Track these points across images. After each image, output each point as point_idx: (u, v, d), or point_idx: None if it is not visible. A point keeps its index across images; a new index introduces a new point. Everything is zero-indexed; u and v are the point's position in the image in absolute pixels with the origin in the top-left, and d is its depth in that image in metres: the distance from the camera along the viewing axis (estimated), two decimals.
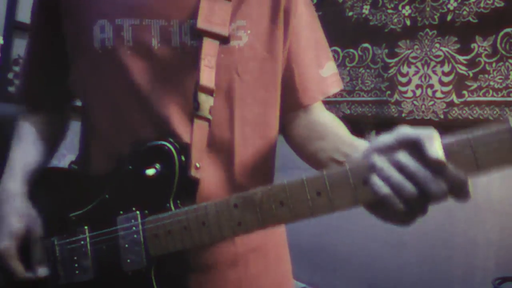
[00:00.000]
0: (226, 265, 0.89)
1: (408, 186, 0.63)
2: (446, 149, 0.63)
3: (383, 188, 0.64)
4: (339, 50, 2.48)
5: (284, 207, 0.73)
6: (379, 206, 0.66)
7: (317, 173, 0.71)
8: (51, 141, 1.02)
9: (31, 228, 0.88)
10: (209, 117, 0.83)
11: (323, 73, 0.97)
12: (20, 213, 0.88)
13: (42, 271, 0.87)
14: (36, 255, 0.88)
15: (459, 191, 0.63)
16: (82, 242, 0.87)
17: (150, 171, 0.81)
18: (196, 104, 0.83)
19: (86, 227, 0.87)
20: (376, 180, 0.64)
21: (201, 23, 0.84)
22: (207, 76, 0.83)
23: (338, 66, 2.47)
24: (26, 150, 0.96)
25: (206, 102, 0.83)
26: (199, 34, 0.84)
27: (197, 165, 0.82)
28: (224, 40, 0.85)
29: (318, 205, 0.71)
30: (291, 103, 0.96)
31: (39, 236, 0.88)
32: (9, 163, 0.95)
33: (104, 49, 0.84)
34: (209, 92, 0.83)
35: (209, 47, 0.84)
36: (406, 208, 0.64)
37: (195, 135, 0.83)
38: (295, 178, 0.73)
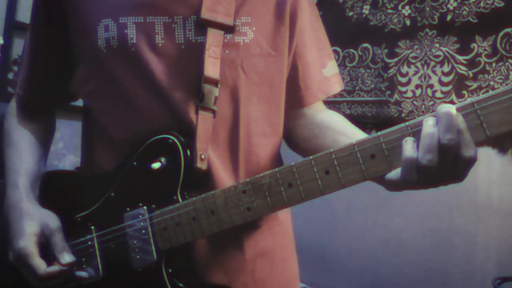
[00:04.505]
0: (234, 272, 0.88)
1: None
2: None
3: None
4: (339, 50, 2.49)
5: (293, 188, 0.74)
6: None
7: (324, 151, 0.72)
8: (44, 144, 1.00)
9: (44, 223, 0.86)
10: (214, 108, 0.84)
11: (325, 72, 0.98)
12: (31, 214, 0.87)
13: (66, 257, 0.84)
14: (56, 246, 0.85)
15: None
16: (90, 243, 0.87)
17: (156, 165, 0.81)
18: (201, 95, 0.83)
19: (92, 227, 0.87)
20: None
21: (205, 13, 0.84)
22: (211, 66, 0.83)
23: (338, 66, 2.47)
24: (24, 158, 0.94)
25: (211, 93, 0.83)
26: (203, 26, 0.84)
27: (203, 156, 0.82)
28: (228, 29, 0.85)
29: (328, 184, 0.72)
30: (293, 101, 0.96)
31: (56, 228, 0.86)
32: (9, 172, 0.92)
33: (109, 48, 0.84)
34: (213, 82, 0.83)
35: (213, 38, 0.84)
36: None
37: (200, 126, 0.83)
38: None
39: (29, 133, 0.98)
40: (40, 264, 0.83)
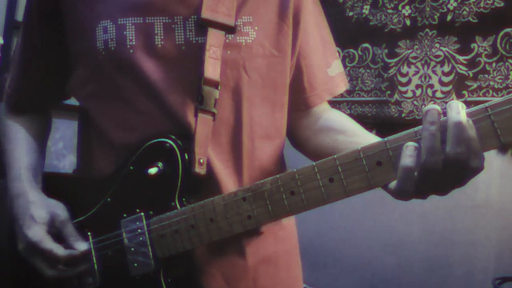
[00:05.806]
0: (235, 280, 0.86)
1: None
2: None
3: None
4: (339, 50, 2.48)
5: (295, 196, 0.71)
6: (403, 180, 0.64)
7: (328, 158, 0.69)
8: (40, 141, 0.99)
9: (54, 213, 0.85)
10: (214, 110, 0.81)
11: (330, 72, 0.96)
12: (38, 204, 0.85)
13: (82, 245, 0.83)
14: (71, 235, 0.84)
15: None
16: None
17: (153, 170, 0.79)
18: (200, 98, 0.81)
19: (89, 233, 0.85)
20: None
21: (206, 13, 0.82)
22: (211, 67, 0.81)
23: None
24: (24, 152, 0.93)
25: (211, 95, 0.81)
26: (203, 26, 0.82)
27: (201, 160, 0.80)
28: (230, 30, 0.83)
29: (332, 192, 0.68)
30: (298, 102, 0.94)
31: (66, 217, 0.85)
32: (10, 166, 0.91)
33: (108, 50, 0.83)
34: (213, 84, 0.81)
35: (214, 38, 0.82)
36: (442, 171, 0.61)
37: (199, 130, 0.80)
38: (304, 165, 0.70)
39: (23, 129, 0.97)
40: (58, 247, 0.82)
